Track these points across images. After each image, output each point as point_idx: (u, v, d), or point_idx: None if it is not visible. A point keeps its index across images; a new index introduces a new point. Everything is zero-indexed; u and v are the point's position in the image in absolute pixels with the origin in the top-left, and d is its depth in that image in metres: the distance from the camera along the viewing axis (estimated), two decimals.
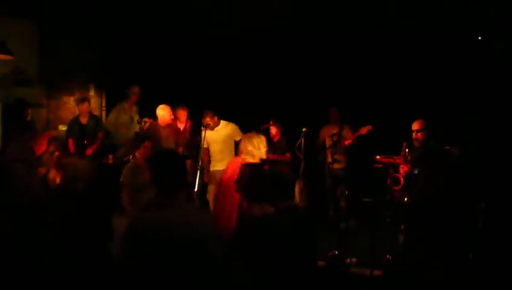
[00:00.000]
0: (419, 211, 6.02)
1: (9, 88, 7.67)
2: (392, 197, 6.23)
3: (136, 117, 7.72)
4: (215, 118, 7.23)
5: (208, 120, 7.07)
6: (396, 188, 6.23)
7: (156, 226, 2.77)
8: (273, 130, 7.94)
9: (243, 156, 4.79)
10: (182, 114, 7.77)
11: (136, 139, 6.04)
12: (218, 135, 7.30)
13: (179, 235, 2.78)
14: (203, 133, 6.97)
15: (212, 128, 7.15)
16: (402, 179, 6.17)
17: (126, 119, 7.74)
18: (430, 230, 5.84)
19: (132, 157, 6.30)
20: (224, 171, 5.15)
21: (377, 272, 5.26)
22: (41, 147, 6.21)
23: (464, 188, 6.25)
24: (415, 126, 6.14)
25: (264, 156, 4.80)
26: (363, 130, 7.30)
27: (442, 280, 5.09)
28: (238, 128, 7.33)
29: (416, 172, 6.43)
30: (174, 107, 7.61)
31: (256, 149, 4.74)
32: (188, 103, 7.85)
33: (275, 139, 8.02)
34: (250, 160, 4.71)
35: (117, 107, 7.81)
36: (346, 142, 7.52)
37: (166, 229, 2.78)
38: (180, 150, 7.64)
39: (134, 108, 7.85)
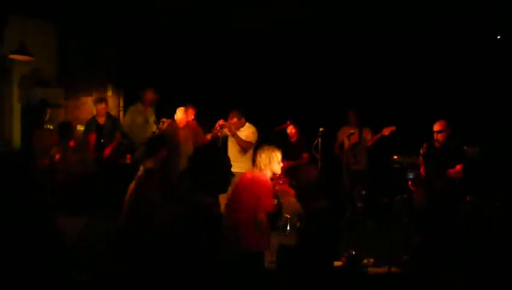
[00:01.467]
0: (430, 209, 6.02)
1: (29, 88, 7.75)
2: (411, 197, 6.22)
3: (152, 118, 7.72)
4: (243, 119, 7.22)
5: (235, 120, 7.08)
6: (418, 189, 6.21)
7: None
8: (291, 130, 7.94)
9: (254, 167, 4.83)
10: (190, 113, 7.75)
11: (153, 141, 6.01)
12: (241, 136, 7.30)
13: None
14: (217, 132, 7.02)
15: (237, 129, 7.15)
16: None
17: (141, 121, 7.74)
18: (441, 230, 5.83)
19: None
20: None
21: (394, 272, 5.23)
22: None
23: (483, 187, 6.23)
24: (436, 127, 6.11)
25: (278, 171, 4.83)
26: (386, 131, 7.27)
27: (458, 280, 5.07)
28: (256, 131, 7.32)
29: (411, 176, 6.46)
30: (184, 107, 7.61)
31: (270, 163, 4.74)
32: (205, 103, 7.85)
33: (293, 139, 8.03)
34: (262, 172, 4.74)
35: (131, 109, 7.83)
36: (369, 144, 7.50)
37: None
38: None
39: (149, 109, 7.86)
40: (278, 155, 4.77)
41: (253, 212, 4.57)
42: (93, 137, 7.34)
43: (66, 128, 6.91)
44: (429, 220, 6.08)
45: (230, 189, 4.81)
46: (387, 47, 8.01)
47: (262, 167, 4.74)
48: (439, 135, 6.07)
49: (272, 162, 4.72)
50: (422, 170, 6.22)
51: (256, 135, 7.20)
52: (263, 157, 4.76)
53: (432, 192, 6.12)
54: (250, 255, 4.47)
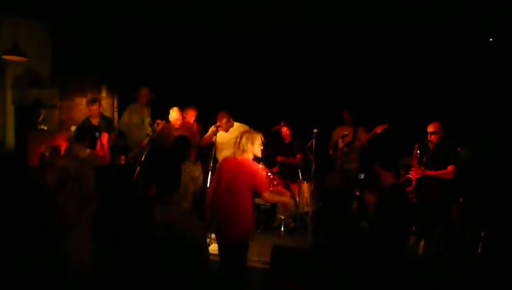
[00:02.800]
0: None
1: (22, 89, 7.73)
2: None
3: (148, 119, 7.73)
4: (231, 119, 7.23)
5: (223, 121, 7.08)
6: (409, 189, 6.24)
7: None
8: (285, 131, 7.98)
9: (237, 150, 4.80)
10: (191, 114, 7.76)
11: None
12: (233, 136, 7.30)
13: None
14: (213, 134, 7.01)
15: (226, 130, 7.16)
16: (414, 180, 6.19)
17: (137, 120, 7.78)
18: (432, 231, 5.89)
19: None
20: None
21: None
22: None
23: (473, 187, 6.29)
24: (430, 128, 6.14)
25: (259, 154, 4.83)
26: (379, 129, 7.29)
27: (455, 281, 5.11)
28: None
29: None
30: (184, 108, 7.61)
31: (252, 145, 4.75)
32: (199, 104, 7.86)
33: (287, 140, 8.06)
34: (245, 155, 4.75)
35: (130, 108, 7.86)
36: (358, 144, 7.52)
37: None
38: (194, 152, 7.63)
39: (146, 110, 7.88)
40: (259, 138, 4.80)
41: (250, 196, 4.63)
42: (105, 136, 7.27)
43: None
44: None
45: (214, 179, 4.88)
46: (382, 48, 8.03)
47: (246, 149, 4.74)
48: (433, 136, 6.11)
49: (254, 145, 4.75)
50: (414, 171, 6.23)
51: None
52: (245, 140, 4.78)
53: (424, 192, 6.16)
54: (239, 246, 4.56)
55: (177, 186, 3.27)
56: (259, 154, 4.83)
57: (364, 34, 7.82)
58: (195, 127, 7.81)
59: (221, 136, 7.12)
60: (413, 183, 6.31)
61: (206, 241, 3.82)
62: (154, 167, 3.19)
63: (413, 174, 6.23)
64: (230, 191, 4.62)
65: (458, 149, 6.19)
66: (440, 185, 5.95)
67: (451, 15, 6.89)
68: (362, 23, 7.53)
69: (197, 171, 7.39)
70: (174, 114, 7.29)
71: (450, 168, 5.91)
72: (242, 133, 4.89)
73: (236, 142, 4.83)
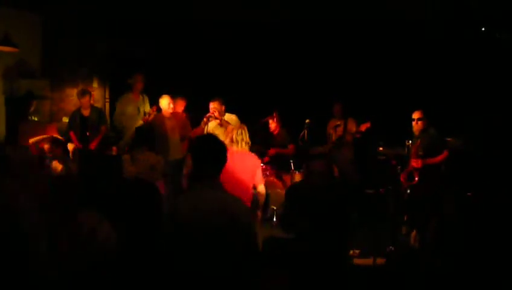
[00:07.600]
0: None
1: (13, 80, 7.68)
2: (396, 189, 6.25)
3: (144, 107, 7.65)
4: (223, 107, 7.19)
5: (215, 107, 7.04)
6: (411, 183, 6.14)
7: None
8: (272, 123, 7.94)
9: (232, 144, 4.83)
10: (180, 104, 7.69)
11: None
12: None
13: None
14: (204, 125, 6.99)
15: (219, 121, 7.13)
16: (416, 174, 6.09)
17: (131, 110, 7.59)
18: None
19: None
20: None
21: (379, 262, 5.29)
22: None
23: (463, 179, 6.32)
24: (415, 115, 6.17)
25: (249, 143, 4.91)
26: (362, 128, 7.38)
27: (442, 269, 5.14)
28: (239, 120, 7.31)
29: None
30: (173, 98, 7.51)
31: (240, 139, 4.83)
32: (191, 94, 7.83)
33: (275, 132, 8.03)
34: (235, 148, 4.80)
35: (122, 99, 7.71)
36: (348, 137, 7.54)
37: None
38: (186, 142, 7.59)
39: (142, 97, 7.73)
40: (244, 130, 4.92)
41: (250, 189, 4.72)
42: (72, 133, 7.29)
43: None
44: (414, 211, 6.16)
45: None
46: (372, 39, 8.04)
47: (245, 145, 4.82)
48: (419, 122, 6.14)
49: (247, 136, 4.87)
50: (414, 163, 6.17)
51: (239, 123, 7.24)
52: (244, 134, 4.85)
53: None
54: None
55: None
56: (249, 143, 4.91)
57: (355, 25, 7.82)
58: (184, 117, 7.75)
59: (212, 126, 7.11)
60: (416, 177, 6.19)
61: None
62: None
63: (414, 164, 6.12)
64: (234, 183, 4.51)
65: (448, 139, 6.22)
66: (434, 176, 5.96)
67: (442, 4, 6.89)
68: (353, 14, 7.52)
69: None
70: (164, 102, 7.16)
71: (446, 152, 5.94)
72: (233, 129, 4.93)
73: (230, 136, 4.87)
